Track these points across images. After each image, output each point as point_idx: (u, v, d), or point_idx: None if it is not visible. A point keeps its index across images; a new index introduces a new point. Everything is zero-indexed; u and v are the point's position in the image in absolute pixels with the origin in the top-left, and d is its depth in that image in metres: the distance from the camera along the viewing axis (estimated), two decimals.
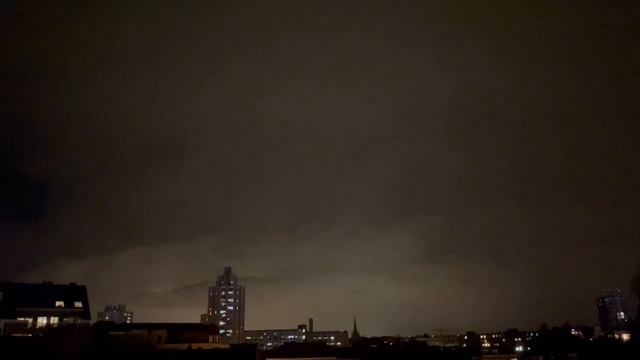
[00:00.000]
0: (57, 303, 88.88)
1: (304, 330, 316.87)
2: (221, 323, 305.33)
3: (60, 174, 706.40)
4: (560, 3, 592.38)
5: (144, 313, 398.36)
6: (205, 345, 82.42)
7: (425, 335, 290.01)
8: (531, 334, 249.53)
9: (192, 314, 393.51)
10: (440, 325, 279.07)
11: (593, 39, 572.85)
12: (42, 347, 64.21)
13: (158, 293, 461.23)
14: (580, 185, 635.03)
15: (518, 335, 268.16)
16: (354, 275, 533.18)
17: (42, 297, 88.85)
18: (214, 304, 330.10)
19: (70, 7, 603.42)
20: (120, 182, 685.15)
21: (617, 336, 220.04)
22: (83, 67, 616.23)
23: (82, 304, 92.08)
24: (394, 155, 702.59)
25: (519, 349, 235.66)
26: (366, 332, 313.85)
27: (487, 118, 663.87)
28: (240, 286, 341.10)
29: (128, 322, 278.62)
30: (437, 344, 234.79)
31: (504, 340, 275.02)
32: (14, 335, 77.34)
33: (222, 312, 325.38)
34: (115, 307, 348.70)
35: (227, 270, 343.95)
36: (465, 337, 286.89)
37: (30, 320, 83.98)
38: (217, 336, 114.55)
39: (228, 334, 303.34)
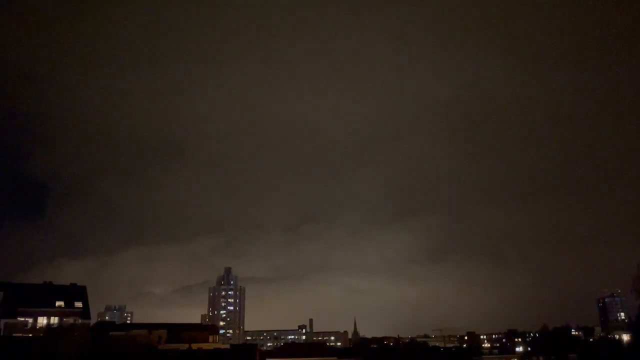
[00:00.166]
0: (58, 303, 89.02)
1: (304, 331, 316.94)
2: (221, 323, 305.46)
3: (60, 174, 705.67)
4: (560, 3, 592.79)
5: (144, 313, 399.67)
6: (205, 346, 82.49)
7: (426, 336, 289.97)
8: (531, 334, 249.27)
9: (192, 314, 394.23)
10: (441, 326, 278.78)
11: (593, 39, 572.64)
12: (43, 347, 64.20)
13: (158, 293, 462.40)
14: (580, 185, 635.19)
15: (518, 335, 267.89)
16: (354, 275, 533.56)
17: (42, 297, 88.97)
18: (214, 304, 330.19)
19: (70, 7, 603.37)
20: (121, 182, 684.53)
21: (617, 337, 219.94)
22: (83, 67, 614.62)
23: (83, 304, 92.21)
24: (394, 155, 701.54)
25: (519, 349, 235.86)
26: (366, 332, 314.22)
27: (487, 118, 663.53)
28: (241, 286, 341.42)
29: (128, 322, 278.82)
30: (437, 344, 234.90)
31: (504, 340, 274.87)
32: (14, 335, 77.48)
33: (222, 312, 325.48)
34: (115, 307, 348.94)
35: (227, 271, 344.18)
36: (466, 338, 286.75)
37: (30, 320, 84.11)
38: (217, 336, 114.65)
39: (228, 334, 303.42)
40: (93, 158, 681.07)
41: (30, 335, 78.59)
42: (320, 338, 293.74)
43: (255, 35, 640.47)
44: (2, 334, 78.02)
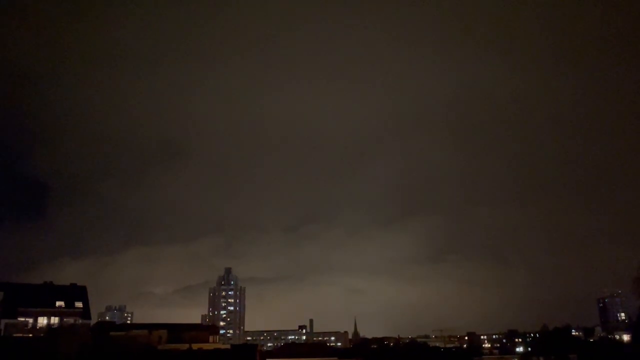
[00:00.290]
0: (58, 303, 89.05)
1: (304, 331, 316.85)
2: (222, 323, 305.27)
3: (60, 174, 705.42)
4: (560, 3, 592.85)
5: (144, 313, 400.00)
6: (205, 346, 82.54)
7: (426, 336, 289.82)
8: (532, 335, 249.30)
9: (192, 314, 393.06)
10: (441, 326, 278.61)
11: (593, 39, 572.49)
12: (43, 348, 64.23)
13: (159, 293, 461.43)
14: (581, 186, 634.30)
15: (518, 335, 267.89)
16: (355, 276, 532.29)
17: (42, 297, 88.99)
18: (214, 304, 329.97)
19: (70, 7, 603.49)
20: (121, 182, 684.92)
21: (617, 337, 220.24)
22: (83, 67, 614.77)
23: (83, 304, 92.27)
24: (394, 155, 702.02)
25: (520, 349, 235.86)
26: (366, 332, 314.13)
27: (487, 118, 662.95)
28: (241, 286, 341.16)
29: (128, 322, 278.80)
30: (437, 344, 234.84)
31: (504, 340, 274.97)
32: (14, 335, 77.49)
33: (222, 312, 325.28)
34: (115, 307, 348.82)
35: (228, 271, 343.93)
36: (466, 338, 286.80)
37: (30, 320, 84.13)
38: (217, 336, 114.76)
39: (228, 335, 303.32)
40: (93, 158, 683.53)
41: (31, 335, 78.62)
42: (320, 338, 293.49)
43: (255, 35, 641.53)
44: (2, 334, 78.04)
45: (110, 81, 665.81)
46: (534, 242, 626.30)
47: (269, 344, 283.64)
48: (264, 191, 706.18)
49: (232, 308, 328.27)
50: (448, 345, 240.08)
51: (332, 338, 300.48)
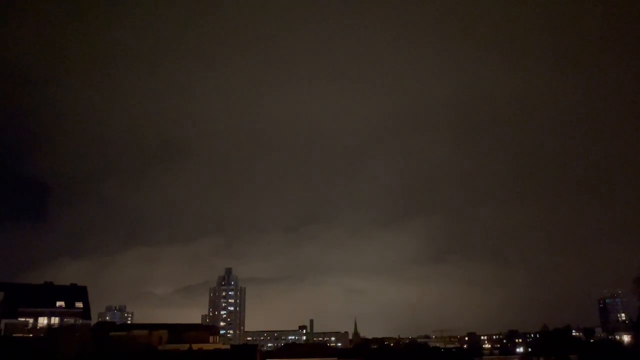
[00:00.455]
0: (58, 303, 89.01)
1: (304, 331, 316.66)
2: (222, 324, 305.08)
3: (60, 174, 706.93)
4: (560, 3, 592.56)
5: (144, 313, 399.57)
6: (205, 346, 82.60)
7: (426, 336, 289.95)
8: (532, 335, 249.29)
9: (192, 314, 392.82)
10: (441, 326, 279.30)
11: (593, 39, 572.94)
12: (43, 348, 64.22)
13: (159, 293, 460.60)
14: (581, 186, 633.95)
15: (519, 336, 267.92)
16: (355, 276, 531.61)
17: (42, 297, 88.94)
18: (214, 304, 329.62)
19: (70, 7, 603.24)
20: (121, 182, 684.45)
21: (618, 337, 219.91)
22: (83, 67, 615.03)
23: (83, 304, 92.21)
24: (394, 155, 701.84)
25: (520, 350, 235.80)
26: (367, 332, 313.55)
27: (487, 118, 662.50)
28: (241, 287, 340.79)
29: (129, 322, 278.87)
30: (437, 344, 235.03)
31: (504, 341, 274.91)
32: (14, 335, 77.47)
33: (222, 312, 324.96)
34: (116, 307, 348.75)
35: (228, 271, 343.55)
36: (466, 338, 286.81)
37: (31, 320, 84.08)
38: (217, 337, 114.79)
39: (229, 335, 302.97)
40: (93, 158, 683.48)
41: (31, 335, 78.60)
42: (320, 339, 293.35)
43: (255, 35, 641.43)
44: (2, 334, 78.04)
45: (110, 81, 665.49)
46: (534, 242, 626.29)
47: (269, 344, 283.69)
48: (264, 191, 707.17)
49: (232, 308, 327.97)
50: (448, 346, 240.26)
51: (333, 338, 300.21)
